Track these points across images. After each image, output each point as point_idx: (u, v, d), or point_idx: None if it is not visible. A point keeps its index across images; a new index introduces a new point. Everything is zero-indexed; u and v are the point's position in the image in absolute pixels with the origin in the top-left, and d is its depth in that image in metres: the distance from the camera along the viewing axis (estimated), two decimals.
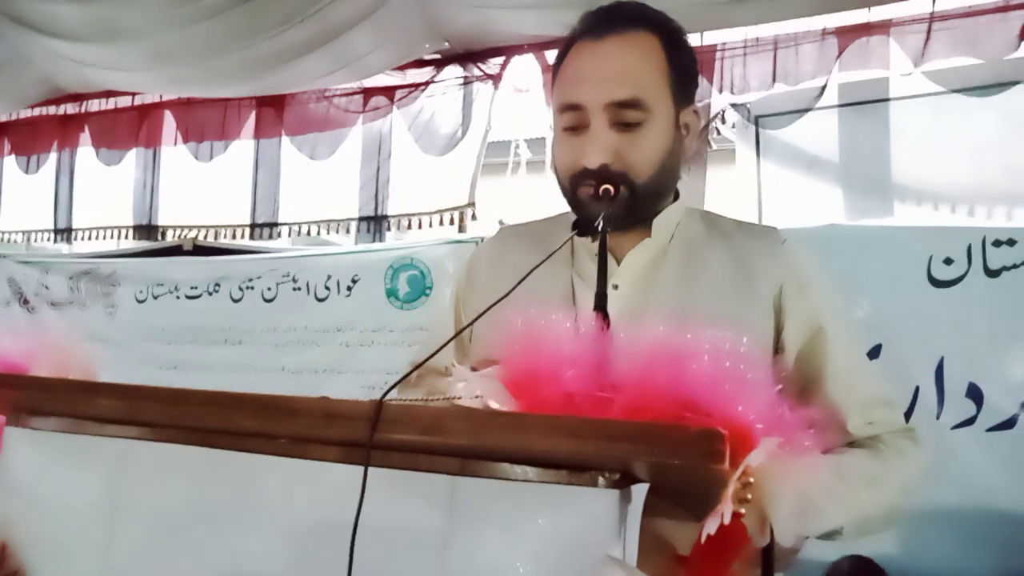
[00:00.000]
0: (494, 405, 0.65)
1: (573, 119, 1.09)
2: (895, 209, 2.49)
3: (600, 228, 0.96)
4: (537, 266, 0.83)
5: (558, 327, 0.64)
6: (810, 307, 1.10)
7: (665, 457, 0.55)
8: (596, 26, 1.11)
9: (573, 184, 1.10)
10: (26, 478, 0.85)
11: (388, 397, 0.64)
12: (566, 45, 1.14)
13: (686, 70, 1.14)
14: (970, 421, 2.27)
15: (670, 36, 1.12)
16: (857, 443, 1.07)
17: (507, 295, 0.75)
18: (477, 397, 0.66)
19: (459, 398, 0.68)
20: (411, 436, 0.64)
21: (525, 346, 0.64)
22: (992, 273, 2.30)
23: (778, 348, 1.11)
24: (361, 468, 0.66)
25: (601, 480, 0.62)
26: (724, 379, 0.59)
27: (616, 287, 1.12)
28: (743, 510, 0.58)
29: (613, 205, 1.04)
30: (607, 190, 1.04)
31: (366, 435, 0.63)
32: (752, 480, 0.58)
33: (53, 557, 0.82)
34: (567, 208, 1.17)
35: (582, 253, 1.16)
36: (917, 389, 2.32)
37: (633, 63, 1.09)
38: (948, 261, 2.36)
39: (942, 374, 2.32)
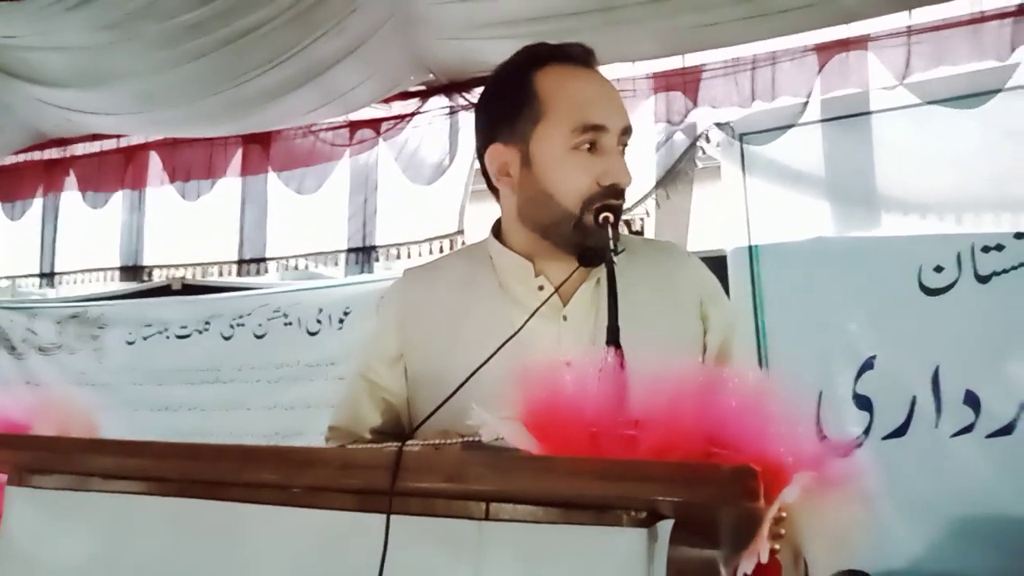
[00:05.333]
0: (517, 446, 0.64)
1: (593, 138, 1.08)
2: (882, 220, 2.50)
3: (607, 257, 0.96)
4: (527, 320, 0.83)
5: (576, 366, 0.64)
6: (723, 316, 1.20)
7: (698, 497, 0.54)
8: (580, 57, 1.14)
9: (586, 205, 1.07)
10: (26, 539, 0.83)
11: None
12: (535, 63, 1.13)
13: None
14: (969, 428, 2.27)
15: None
16: None
17: (502, 347, 0.75)
18: (498, 440, 0.65)
19: (478, 439, 0.67)
20: (434, 484, 0.63)
21: (545, 387, 0.64)
22: (983, 279, 2.32)
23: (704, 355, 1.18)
24: (380, 516, 0.65)
25: (626, 519, 0.62)
26: (750, 413, 0.58)
27: (565, 318, 1.13)
28: (777, 546, 0.58)
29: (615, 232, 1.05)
30: (606, 218, 1.05)
31: (386, 484, 0.62)
32: (785, 515, 0.57)
33: None
34: None
35: (514, 285, 1.15)
36: (914, 399, 2.32)
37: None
38: (938, 269, 2.37)
39: (938, 382, 2.32)
